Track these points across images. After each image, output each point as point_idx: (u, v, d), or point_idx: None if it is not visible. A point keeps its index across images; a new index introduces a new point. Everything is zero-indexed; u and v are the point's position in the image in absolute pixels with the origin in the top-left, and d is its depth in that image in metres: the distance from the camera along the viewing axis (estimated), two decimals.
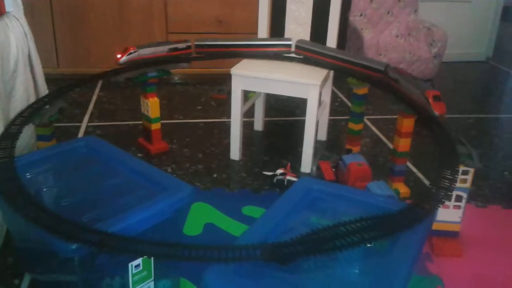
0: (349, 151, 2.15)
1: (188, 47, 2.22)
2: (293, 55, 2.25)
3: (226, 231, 1.72)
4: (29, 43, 1.93)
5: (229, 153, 2.27)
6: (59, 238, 1.02)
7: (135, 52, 2.03)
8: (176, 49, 2.18)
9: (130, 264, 1.19)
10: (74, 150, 1.52)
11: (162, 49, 2.14)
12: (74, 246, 1.03)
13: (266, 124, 2.66)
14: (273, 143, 2.49)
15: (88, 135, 2.44)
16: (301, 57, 2.22)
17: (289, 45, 2.23)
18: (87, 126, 2.56)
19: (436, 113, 1.61)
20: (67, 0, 3.10)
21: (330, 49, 2.18)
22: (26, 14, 2.01)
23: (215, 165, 2.21)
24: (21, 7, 1.99)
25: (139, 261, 1.20)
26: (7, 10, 1.79)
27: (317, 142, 2.19)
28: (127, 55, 2.00)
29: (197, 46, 2.24)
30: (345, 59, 2.07)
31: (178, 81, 3.39)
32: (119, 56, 1.99)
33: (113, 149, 1.51)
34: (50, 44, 3.15)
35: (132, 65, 2.06)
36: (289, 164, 2.15)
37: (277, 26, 2.43)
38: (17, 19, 1.86)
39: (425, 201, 1.20)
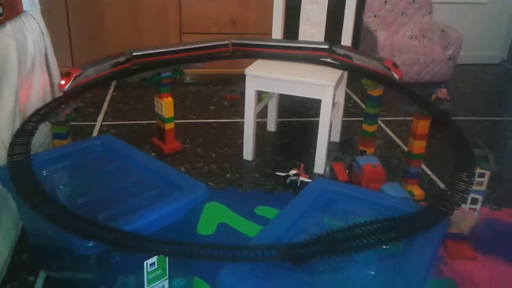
0: (363, 153, 2.14)
1: (128, 60, 2.02)
2: (229, 54, 2.28)
3: (239, 231, 1.72)
4: (46, 42, 1.95)
5: (242, 153, 2.28)
6: (75, 235, 1.03)
7: (80, 74, 1.76)
8: (117, 63, 1.95)
9: (145, 262, 1.19)
10: (90, 149, 1.53)
11: (105, 66, 1.90)
12: (90, 244, 1.04)
13: (279, 124, 2.66)
14: (286, 144, 2.48)
15: (102, 134, 2.45)
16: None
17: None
18: (101, 125, 2.58)
19: (397, 77, 1.89)
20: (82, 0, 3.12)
21: (271, 40, 2.25)
22: (42, 13, 2.02)
23: (228, 165, 2.21)
24: (38, 6, 2.00)
25: (154, 259, 1.20)
26: (24, 9, 1.81)
27: (330, 143, 2.18)
28: (73, 80, 1.72)
29: (136, 57, 2.04)
30: (289, 46, 2.15)
31: (191, 82, 3.40)
32: (63, 82, 1.71)
33: (129, 148, 1.51)
34: (65, 43, 3.18)
35: (146, 65, 2.07)
36: (302, 165, 2.14)
37: (291, 27, 2.42)
38: (34, 18, 1.88)
39: (442, 204, 1.19)
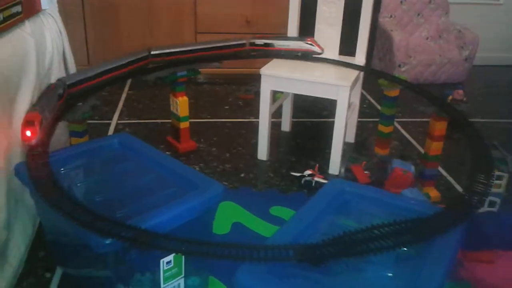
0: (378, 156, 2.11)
1: (62, 94, 1.64)
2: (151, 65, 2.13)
3: (254, 231, 1.72)
4: (64, 40, 1.96)
5: (256, 153, 2.27)
6: (93, 233, 1.03)
7: (42, 117, 1.37)
8: (60, 96, 1.60)
9: (161, 261, 1.19)
10: (107, 147, 1.54)
11: (53, 102, 1.54)
12: (108, 241, 1.04)
13: (294, 125, 2.65)
14: (301, 144, 2.48)
15: (118, 132, 2.47)
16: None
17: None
18: (116, 124, 2.60)
19: (320, 50, 2.09)
20: None
21: (185, 44, 2.16)
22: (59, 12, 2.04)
23: (242, 164, 2.21)
24: (56, 5, 2.02)
25: (170, 257, 1.21)
26: (43, 7, 1.82)
27: (345, 144, 2.17)
28: (40, 129, 1.33)
29: (69, 86, 1.69)
30: (206, 47, 2.12)
31: (206, 81, 3.41)
32: (29, 134, 1.29)
33: (146, 146, 1.52)
34: (80, 42, 3.20)
35: (162, 64, 2.08)
36: (317, 165, 2.13)
37: (307, 27, 2.41)
38: (53, 17, 1.89)
39: (460, 206, 1.18)
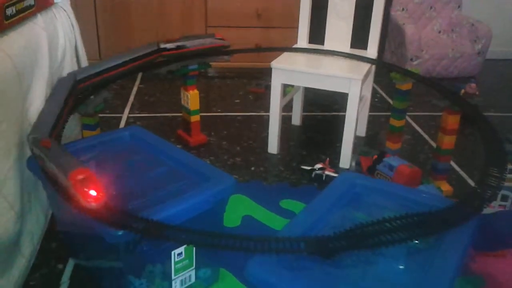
0: (382, 154, 2.07)
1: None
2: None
3: (265, 224, 1.72)
4: (76, 34, 1.97)
5: (267, 147, 2.27)
6: (106, 224, 1.04)
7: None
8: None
9: (172, 252, 1.20)
10: (119, 139, 1.55)
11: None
12: (120, 233, 1.05)
13: (304, 118, 2.65)
14: (311, 138, 2.47)
15: (129, 126, 2.48)
16: None
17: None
18: (128, 117, 2.61)
19: (228, 43, 2.13)
20: None
21: (102, 64, 1.85)
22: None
23: (253, 158, 2.21)
24: None
25: (181, 249, 1.21)
26: (55, 1, 1.83)
27: (356, 138, 2.16)
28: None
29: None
30: (122, 62, 1.87)
31: (216, 75, 3.41)
32: (94, 193, 1.07)
33: (157, 139, 1.52)
34: (92, 36, 3.22)
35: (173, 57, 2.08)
36: (327, 159, 2.13)
37: (318, 20, 2.40)
38: (65, 10, 1.90)
39: (473, 199, 1.17)
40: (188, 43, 2.03)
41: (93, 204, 1.03)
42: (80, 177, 1.03)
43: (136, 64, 1.93)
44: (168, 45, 2.01)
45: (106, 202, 1.06)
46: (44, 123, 1.33)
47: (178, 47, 2.01)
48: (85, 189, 1.02)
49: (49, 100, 1.50)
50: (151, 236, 1.02)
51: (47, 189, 1.39)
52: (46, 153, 1.15)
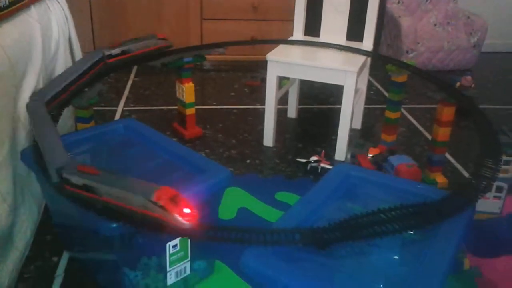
0: (392, 152, 2.05)
1: None
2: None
3: (260, 216, 1.72)
4: (70, 26, 1.96)
5: (262, 140, 2.27)
6: (100, 217, 1.03)
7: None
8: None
9: (168, 244, 1.20)
10: (113, 132, 1.54)
11: None
12: (114, 225, 1.05)
13: (300, 111, 2.64)
14: (307, 130, 2.47)
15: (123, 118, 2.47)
16: None
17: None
18: (123, 110, 2.60)
19: (170, 43, 2.07)
20: None
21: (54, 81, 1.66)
22: None
23: (248, 151, 2.21)
24: None
25: (176, 241, 1.21)
26: None
27: (351, 130, 2.16)
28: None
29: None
30: (76, 78, 1.69)
31: (212, 68, 3.40)
32: (188, 211, 1.02)
33: (152, 131, 1.52)
34: (87, 28, 3.19)
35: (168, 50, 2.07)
36: (323, 151, 2.13)
37: (314, 12, 2.39)
38: (59, 2, 1.89)
39: (467, 190, 1.17)
40: (132, 47, 1.95)
41: (189, 224, 0.95)
42: (169, 196, 0.95)
43: (83, 80, 1.74)
44: (113, 51, 1.89)
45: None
46: None
47: (123, 52, 1.92)
48: (180, 208, 0.94)
49: None
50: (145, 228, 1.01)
51: (41, 182, 1.38)
52: (98, 180, 1.04)
